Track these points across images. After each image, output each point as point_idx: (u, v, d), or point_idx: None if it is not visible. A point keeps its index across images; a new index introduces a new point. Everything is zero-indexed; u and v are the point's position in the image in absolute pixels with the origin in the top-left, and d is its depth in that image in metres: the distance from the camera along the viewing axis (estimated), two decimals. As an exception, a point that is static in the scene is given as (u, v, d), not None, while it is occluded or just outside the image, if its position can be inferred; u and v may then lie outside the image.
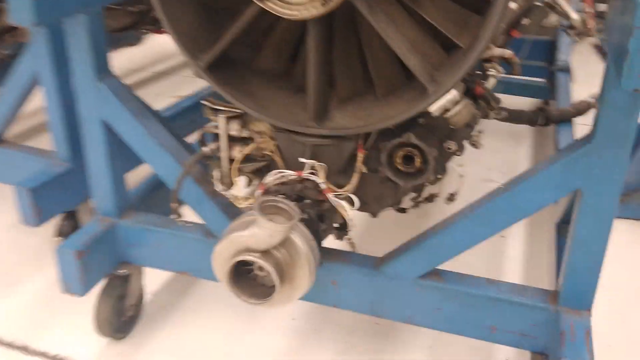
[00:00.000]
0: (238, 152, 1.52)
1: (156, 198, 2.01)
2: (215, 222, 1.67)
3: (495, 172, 2.91)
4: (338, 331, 1.92)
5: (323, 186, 1.39)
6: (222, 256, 1.22)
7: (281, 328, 1.94)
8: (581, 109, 2.45)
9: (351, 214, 1.39)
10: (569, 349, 1.33)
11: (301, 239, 1.22)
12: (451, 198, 1.68)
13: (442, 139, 1.46)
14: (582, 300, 1.42)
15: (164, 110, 2.35)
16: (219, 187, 1.56)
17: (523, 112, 2.35)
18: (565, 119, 2.43)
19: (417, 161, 1.45)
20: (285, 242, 1.21)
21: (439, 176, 1.49)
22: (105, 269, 1.80)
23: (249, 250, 1.19)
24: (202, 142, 1.62)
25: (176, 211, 1.62)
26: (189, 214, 1.74)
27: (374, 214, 1.62)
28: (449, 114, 1.32)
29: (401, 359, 1.82)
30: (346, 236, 1.56)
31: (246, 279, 1.26)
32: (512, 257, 2.30)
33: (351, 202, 1.42)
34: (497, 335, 1.52)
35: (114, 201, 1.78)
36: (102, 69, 1.62)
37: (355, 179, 1.43)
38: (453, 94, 1.28)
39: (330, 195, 1.38)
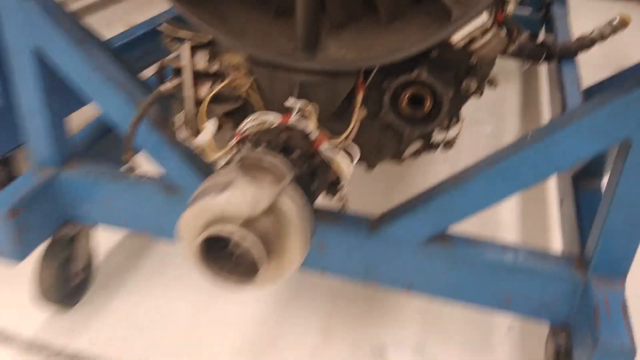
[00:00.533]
0: (206, 91, 1.23)
1: (106, 144, 1.71)
2: (177, 174, 1.39)
3: (484, 113, 2.67)
4: (320, 297, 1.69)
5: (315, 134, 1.11)
6: (191, 227, 0.95)
7: (254, 294, 1.69)
8: (585, 44, 2.20)
9: (349, 169, 1.13)
10: (606, 327, 1.12)
11: (292, 205, 0.96)
12: (449, 144, 1.43)
13: (459, 77, 1.19)
14: (617, 268, 1.21)
15: (113, 40, 2.00)
16: (182, 135, 1.27)
17: (525, 45, 2.09)
18: (568, 55, 2.18)
19: (427, 103, 1.19)
20: (272, 209, 0.95)
21: (453, 122, 1.23)
22: (45, 229, 1.51)
23: (225, 220, 0.92)
24: (161, 77, 1.32)
25: (130, 162, 1.32)
26: (146, 165, 1.46)
27: (371, 167, 1.37)
28: (475, 45, 1.05)
29: (391, 331, 1.61)
30: (338, 193, 1.31)
31: (221, 253, 0.99)
32: (504, 214, 2.07)
33: (349, 155, 1.15)
34: (512, 305, 1.31)
35: (54, 148, 1.47)
36: (31, -17, 1.28)
37: (354, 125, 1.16)
38: (483, 20, 1.01)
39: (324, 146, 1.11)
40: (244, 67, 1.21)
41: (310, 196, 1.05)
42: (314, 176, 1.10)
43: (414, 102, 1.21)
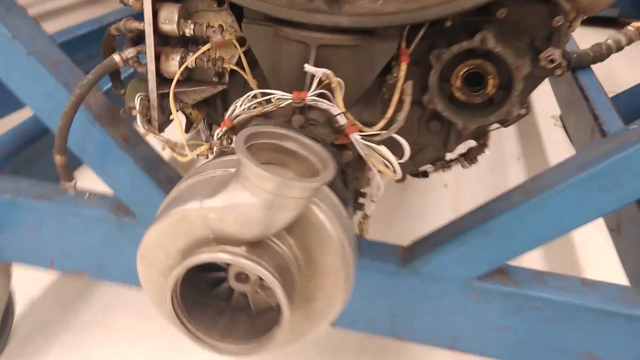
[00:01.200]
0: (175, 64, 0.85)
1: (30, 157, 1.30)
2: (130, 189, 1.00)
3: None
4: (317, 351, 1.30)
5: (343, 119, 0.75)
6: (160, 255, 0.56)
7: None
8: (601, 54, 1.93)
9: (397, 169, 0.76)
10: None
11: (331, 217, 0.58)
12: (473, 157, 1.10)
13: (535, 46, 0.86)
14: None
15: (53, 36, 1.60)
16: (141, 129, 0.88)
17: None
18: (584, 64, 1.91)
19: (491, 84, 0.85)
20: (301, 223, 0.57)
21: (523, 110, 0.89)
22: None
23: (220, 240, 0.54)
24: (108, 51, 0.94)
25: (64, 171, 0.92)
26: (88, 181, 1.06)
27: (401, 177, 1.01)
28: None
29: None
30: (363, 212, 0.94)
31: (208, 301, 0.60)
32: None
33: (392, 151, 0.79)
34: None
35: (-46, 157, 1.06)
36: None
37: (405, 107, 0.79)
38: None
39: (357, 137, 0.75)
40: (231, 30, 0.85)
41: (347, 207, 0.68)
42: (344, 178, 0.73)
43: (471, 82, 0.87)
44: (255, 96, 0.79)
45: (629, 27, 1.99)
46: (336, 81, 0.74)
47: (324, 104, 0.74)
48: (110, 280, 1.12)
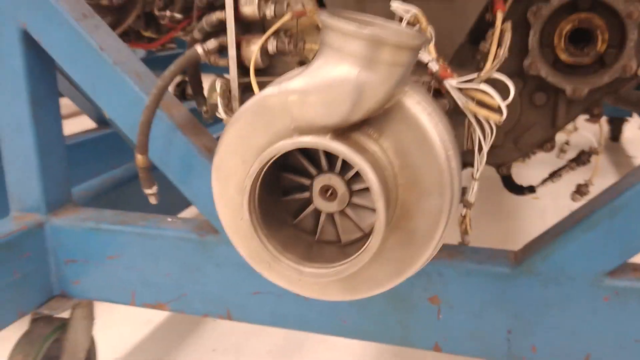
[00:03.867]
0: (256, 50, 0.82)
1: (117, 201, 1.28)
2: (212, 201, 0.94)
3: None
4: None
5: (435, 66, 0.68)
6: (235, 166, 0.49)
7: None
8: None
9: (502, 108, 0.67)
10: None
11: (427, 111, 0.50)
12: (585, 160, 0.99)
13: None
14: None
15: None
16: (222, 115, 0.84)
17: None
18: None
19: (600, 39, 0.76)
20: (392, 122, 0.49)
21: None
22: (20, 304, 1.03)
23: (304, 130, 0.47)
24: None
25: (145, 174, 0.89)
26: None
27: (500, 166, 0.90)
28: None
29: None
30: (468, 204, 0.83)
31: (285, 230, 0.52)
32: None
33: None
34: None
35: (42, 184, 1.05)
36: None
37: (504, 51, 0.71)
38: None
39: (453, 82, 0.67)
40: (310, 7, 0.82)
41: None
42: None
43: (578, 40, 0.78)
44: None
45: None
46: (426, 22, 0.68)
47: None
48: (189, 313, 1.04)
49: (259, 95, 0.48)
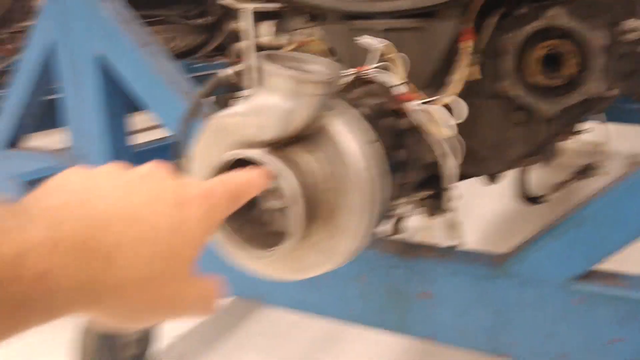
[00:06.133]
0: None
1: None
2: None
3: None
4: None
5: (402, 88, 0.79)
6: (202, 173, 0.64)
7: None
8: None
9: (449, 126, 0.77)
10: None
11: (349, 129, 0.63)
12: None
13: (613, 20, 0.84)
14: None
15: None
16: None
17: None
18: None
19: (571, 63, 0.84)
20: (319, 133, 0.62)
21: (612, 92, 0.85)
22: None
23: (246, 145, 0.61)
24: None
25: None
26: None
27: (491, 176, 0.99)
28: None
29: None
30: (444, 211, 0.93)
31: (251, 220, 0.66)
32: None
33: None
34: None
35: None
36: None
37: (459, 77, 0.82)
38: None
39: (415, 104, 0.79)
40: (317, 33, 0.96)
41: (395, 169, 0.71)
42: (400, 145, 0.76)
43: (551, 64, 0.86)
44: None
45: None
46: (395, 52, 0.80)
47: (385, 75, 0.80)
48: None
49: (218, 115, 0.63)
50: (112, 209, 0.39)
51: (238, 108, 0.61)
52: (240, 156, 0.59)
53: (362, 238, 0.64)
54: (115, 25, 1.15)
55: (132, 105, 1.19)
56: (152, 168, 0.44)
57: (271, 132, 0.59)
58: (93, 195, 0.39)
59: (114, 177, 0.42)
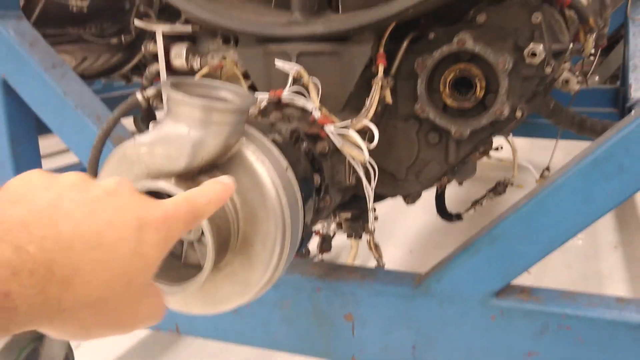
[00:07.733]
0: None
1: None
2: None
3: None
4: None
5: (316, 113, 0.79)
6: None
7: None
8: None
9: (364, 152, 0.77)
10: None
11: (260, 159, 0.61)
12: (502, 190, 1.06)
13: (520, 48, 0.87)
14: None
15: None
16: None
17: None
18: None
19: (479, 86, 0.86)
20: (234, 167, 0.60)
21: (518, 113, 0.88)
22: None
23: (154, 175, 0.59)
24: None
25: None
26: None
27: (411, 197, 1.00)
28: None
29: None
30: (365, 232, 0.93)
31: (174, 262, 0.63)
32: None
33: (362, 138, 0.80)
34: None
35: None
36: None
37: (373, 102, 0.82)
38: None
39: (331, 128, 0.78)
40: (230, 56, 0.94)
41: (313, 193, 0.70)
42: (318, 169, 0.76)
43: (462, 87, 0.88)
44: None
45: None
46: (308, 77, 0.80)
47: (299, 100, 0.79)
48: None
49: (120, 147, 0.60)
50: (75, 231, 0.39)
51: (144, 138, 0.59)
52: (151, 188, 0.56)
53: (275, 267, 0.62)
54: (19, 47, 1.09)
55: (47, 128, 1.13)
56: (117, 184, 0.45)
57: (180, 163, 0.57)
58: (58, 213, 0.40)
59: (79, 190, 0.43)
